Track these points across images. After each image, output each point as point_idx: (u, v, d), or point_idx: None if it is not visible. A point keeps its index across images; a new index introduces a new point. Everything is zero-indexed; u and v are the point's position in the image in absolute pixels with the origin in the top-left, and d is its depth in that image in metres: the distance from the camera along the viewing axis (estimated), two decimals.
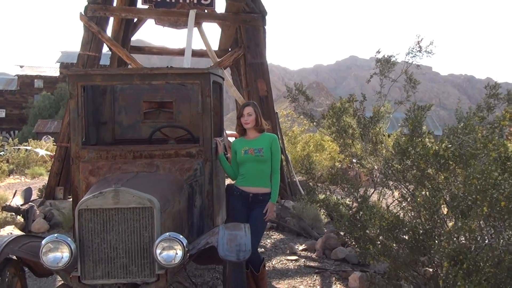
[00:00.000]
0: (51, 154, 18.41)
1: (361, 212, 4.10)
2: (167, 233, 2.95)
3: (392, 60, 5.51)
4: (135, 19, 10.11)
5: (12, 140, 20.53)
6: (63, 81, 41.45)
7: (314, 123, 6.11)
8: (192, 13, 8.83)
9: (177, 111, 5.41)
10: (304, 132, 16.51)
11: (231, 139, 5.02)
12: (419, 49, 5.21)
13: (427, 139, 3.63)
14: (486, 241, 3.02)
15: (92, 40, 8.81)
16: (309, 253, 6.09)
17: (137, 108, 5.39)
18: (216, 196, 4.20)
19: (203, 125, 3.98)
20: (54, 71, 47.11)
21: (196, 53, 10.92)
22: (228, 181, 5.25)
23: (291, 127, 16.97)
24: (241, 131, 4.21)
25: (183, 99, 5.41)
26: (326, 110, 6.05)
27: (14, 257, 3.30)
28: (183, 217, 3.72)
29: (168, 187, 3.58)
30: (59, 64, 45.34)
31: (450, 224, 3.33)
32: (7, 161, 17.98)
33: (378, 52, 5.55)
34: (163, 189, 3.45)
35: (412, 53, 5.29)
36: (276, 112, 9.70)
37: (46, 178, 10.98)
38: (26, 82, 45.31)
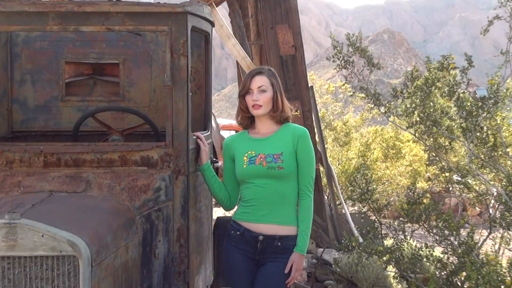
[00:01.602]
0: None
1: (463, 273, 4.11)
2: None
3: None
4: None
5: None
6: None
7: (381, 109, 6.11)
8: None
9: (127, 81, 5.46)
10: (365, 123, 16.46)
11: (227, 135, 5.06)
12: None
13: None
14: None
15: None
16: None
17: (54, 75, 5.44)
18: (195, 238, 4.24)
19: (174, 108, 4.02)
20: None
21: None
22: (219, 210, 5.28)
23: (343, 115, 16.93)
24: (245, 120, 4.23)
25: (139, 60, 5.45)
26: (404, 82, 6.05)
27: None
28: (133, 276, 3.76)
29: (106, 221, 3.62)
30: None
31: None
32: None
33: None
34: (97, 224, 3.49)
35: None
36: (311, 86, 9.72)
37: None
38: None
